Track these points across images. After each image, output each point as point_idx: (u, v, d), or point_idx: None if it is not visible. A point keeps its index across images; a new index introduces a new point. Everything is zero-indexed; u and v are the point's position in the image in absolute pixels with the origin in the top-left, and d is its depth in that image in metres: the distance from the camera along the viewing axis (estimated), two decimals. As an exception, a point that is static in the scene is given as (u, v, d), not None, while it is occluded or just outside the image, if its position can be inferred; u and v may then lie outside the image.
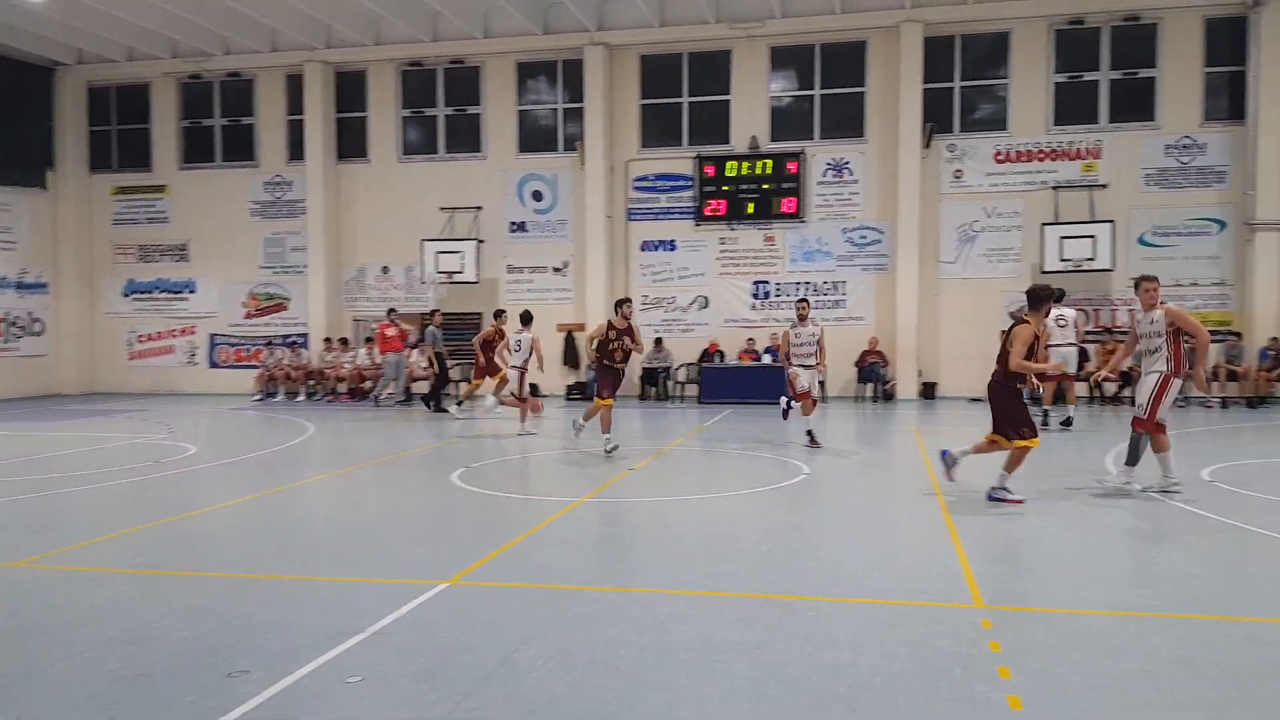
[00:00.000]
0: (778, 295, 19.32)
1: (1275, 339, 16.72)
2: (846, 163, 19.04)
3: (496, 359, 14.96)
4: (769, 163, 19.17)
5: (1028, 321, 8.07)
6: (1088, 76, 18.10)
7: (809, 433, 11.97)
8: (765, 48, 19.25)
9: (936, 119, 18.50)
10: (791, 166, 19.06)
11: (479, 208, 20.44)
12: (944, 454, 8.57)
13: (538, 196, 20.40)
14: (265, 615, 5.22)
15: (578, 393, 19.28)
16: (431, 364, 17.45)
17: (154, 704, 4.02)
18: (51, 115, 22.07)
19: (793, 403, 12.43)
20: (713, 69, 19.54)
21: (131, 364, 22.48)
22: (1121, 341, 17.59)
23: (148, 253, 22.36)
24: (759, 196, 19.23)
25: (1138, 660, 4.45)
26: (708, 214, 19.48)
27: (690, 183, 19.59)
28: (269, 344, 21.12)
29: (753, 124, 19.39)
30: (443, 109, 20.88)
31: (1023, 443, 8.08)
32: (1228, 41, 17.41)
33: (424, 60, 20.73)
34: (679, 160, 19.68)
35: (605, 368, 11.64)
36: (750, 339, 18.92)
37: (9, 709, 3.99)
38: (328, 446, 13.13)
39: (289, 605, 5.47)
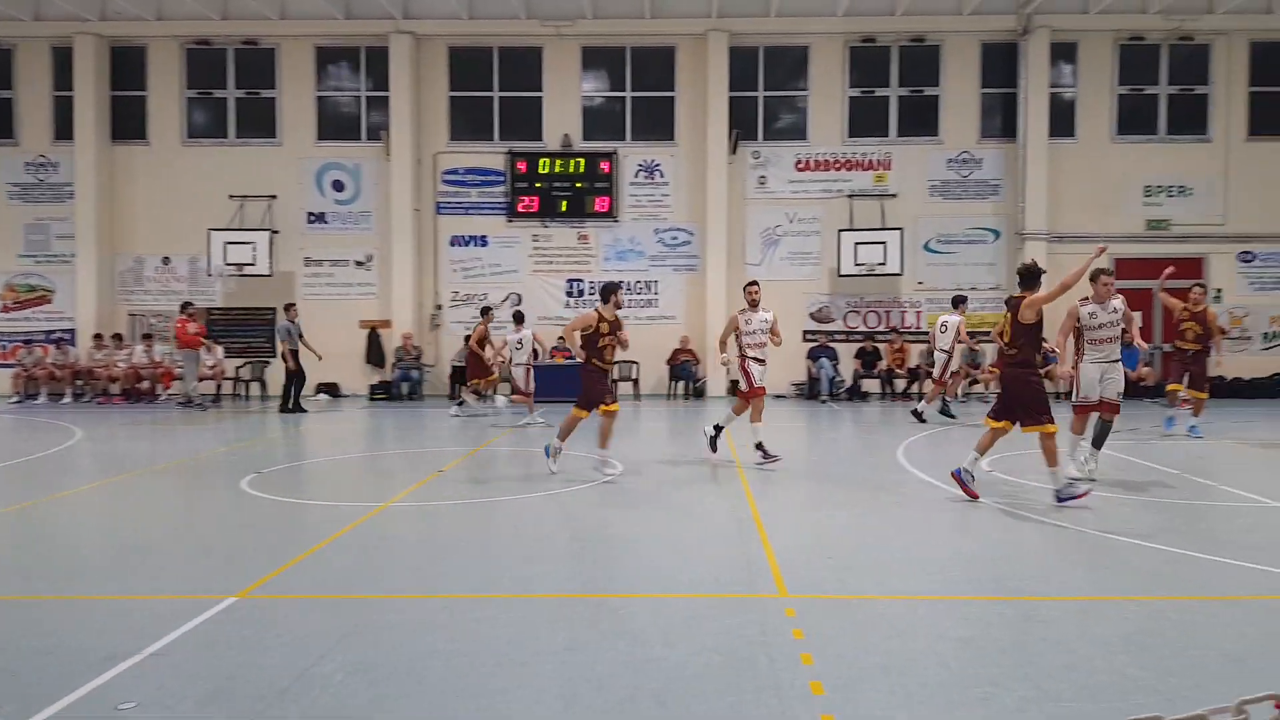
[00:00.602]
0: (592, 294, 19.36)
1: (1043, 340, 18.35)
2: (658, 165, 19.35)
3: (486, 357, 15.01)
4: (582, 161, 19.19)
5: (1021, 297, 8.15)
6: (879, 92, 19.26)
7: (760, 446, 10.36)
8: (577, 47, 19.26)
9: (742, 126, 19.14)
10: (604, 166, 19.17)
11: (273, 196, 19.28)
12: (957, 473, 8.18)
13: (339, 186, 19.48)
14: (26, 641, 4.64)
15: (382, 393, 18.56)
16: (287, 360, 16.20)
17: None
18: None
19: (717, 428, 10.80)
20: (524, 65, 19.35)
21: None
22: (912, 341, 18.89)
23: (-121, 237, 19.67)
24: (572, 195, 19.22)
25: (927, 641, 4.69)
26: (520, 210, 19.26)
27: (502, 178, 19.30)
28: (28, 341, 19.05)
29: (565, 122, 19.35)
30: (233, 91, 19.55)
31: (1043, 428, 7.79)
32: (1001, 65, 18.99)
33: (212, 39, 19.34)
34: (490, 155, 19.34)
35: (594, 369, 9.70)
36: (562, 338, 18.81)
37: None
38: (99, 452, 11.95)
39: (53, 629, 4.87)
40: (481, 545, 6.82)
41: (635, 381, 18.87)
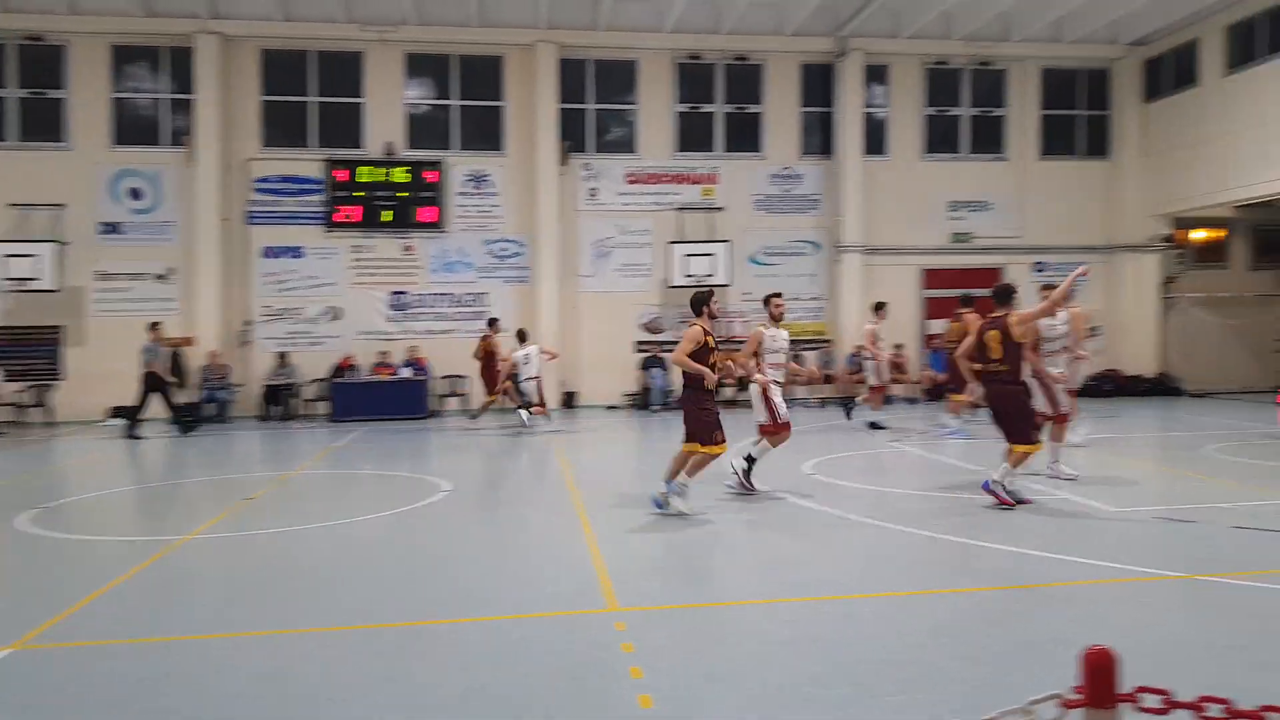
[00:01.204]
0: (417, 306, 18.79)
1: (859, 347, 19.18)
2: (487, 175, 19.03)
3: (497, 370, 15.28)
4: (407, 170, 18.61)
5: (1004, 315, 8.05)
6: (705, 108, 19.70)
7: (744, 474, 8.87)
8: (400, 53, 18.70)
9: (573, 137, 19.12)
10: (430, 175, 18.66)
11: (61, 205, 17.66)
12: (987, 486, 8.08)
13: (136, 195, 18.06)
14: None
15: (189, 414, 17.27)
16: (148, 382, 14.61)
17: None
18: None
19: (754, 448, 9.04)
20: (344, 70, 18.59)
21: None
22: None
23: None
24: (396, 205, 18.58)
25: (752, 645, 4.72)
26: (339, 220, 18.43)
27: (320, 186, 18.43)
28: None
29: (389, 129, 18.73)
30: (14, 90, 17.83)
31: (1032, 447, 7.96)
32: (819, 85, 19.83)
33: (-11, 34, 17.59)
34: (307, 162, 18.44)
35: (704, 395, 7.98)
36: (385, 352, 18.16)
37: None
38: None
39: None
40: (294, 575, 6.39)
41: (464, 397, 18.41)
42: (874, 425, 14.26)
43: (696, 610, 5.37)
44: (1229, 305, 20.28)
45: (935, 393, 18.83)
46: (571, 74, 19.14)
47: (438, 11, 18.29)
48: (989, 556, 6.53)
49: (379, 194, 18.53)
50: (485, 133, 19.09)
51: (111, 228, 17.97)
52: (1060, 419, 9.62)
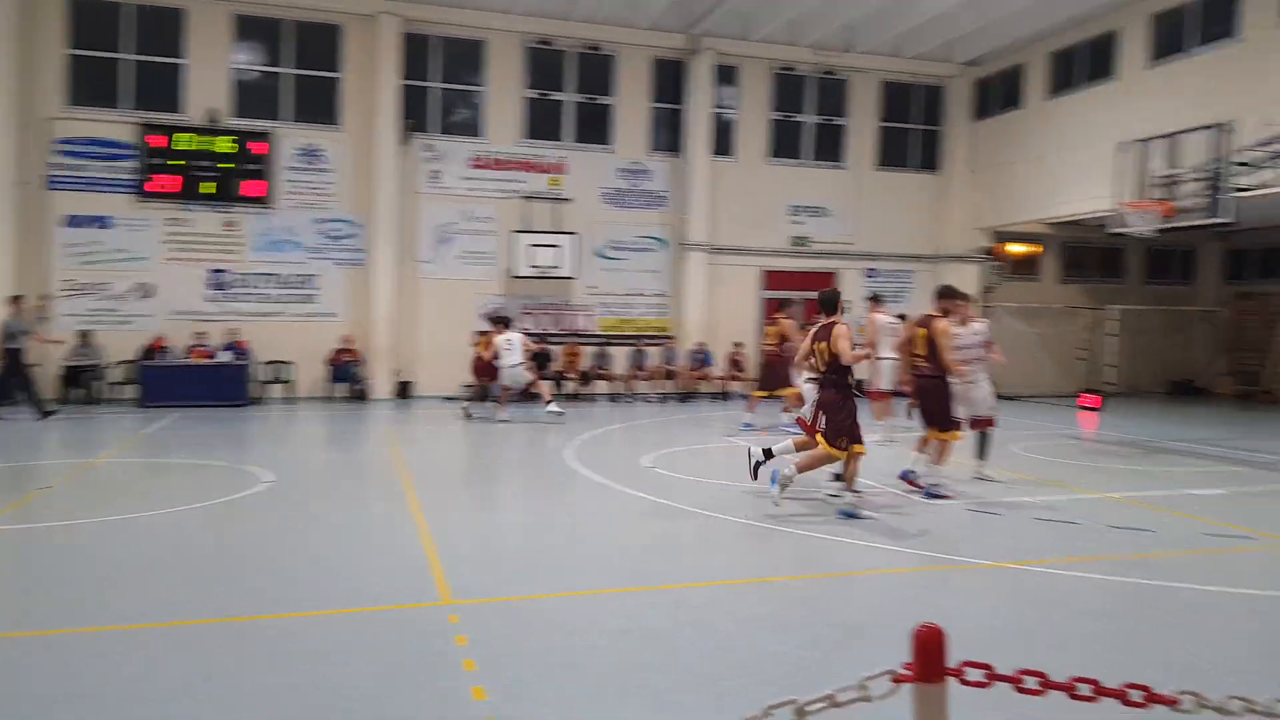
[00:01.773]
0: (240, 286, 17.69)
1: (701, 343, 19.55)
2: (320, 150, 18.11)
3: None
4: (232, 140, 17.46)
5: (938, 316, 8.52)
6: (555, 96, 19.46)
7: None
8: (228, 14, 17.48)
9: (415, 116, 18.45)
10: (258, 147, 17.57)
11: None
12: (924, 491, 8.42)
13: (-84, 149, 16.14)
14: None
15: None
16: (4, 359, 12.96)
17: None
18: None
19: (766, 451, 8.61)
20: (163, 27, 17.17)
21: None
22: (585, 344, 19.29)
23: None
24: (219, 176, 17.35)
25: (588, 636, 4.68)
26: (153, 190, 17.02)
27: (132, 152, 17.00)
28: None
29: (212, 95, 17.51)
30: None
31: (953, 435, 8.46)
32: (670, 81, 19.95)
33: None
34: (118, 125, 16.94)
35: (846, 390, 7.72)
36: (203, 333, 16.99)
37: None
38: None
39: None
40: (100, 571, 5.84)
41: (290, 383, 17.49)
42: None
43: (531, 602, 5.27)
44: (1039, 315, 21.86)
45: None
46: (416, 50, 18.48)
47: (272, -27, 17.28)
48: (816, 545, 6.74)
49: (200, 164, 17.28)
50: (320, 105, 18.14)
51: (-117, 184, 15.99)
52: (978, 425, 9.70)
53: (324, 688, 3.98)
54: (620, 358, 19.21)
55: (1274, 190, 12.70)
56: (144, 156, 16.95)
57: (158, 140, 16.98)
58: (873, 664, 2.29)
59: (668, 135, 20.03)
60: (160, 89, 17.17)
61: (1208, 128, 12.59)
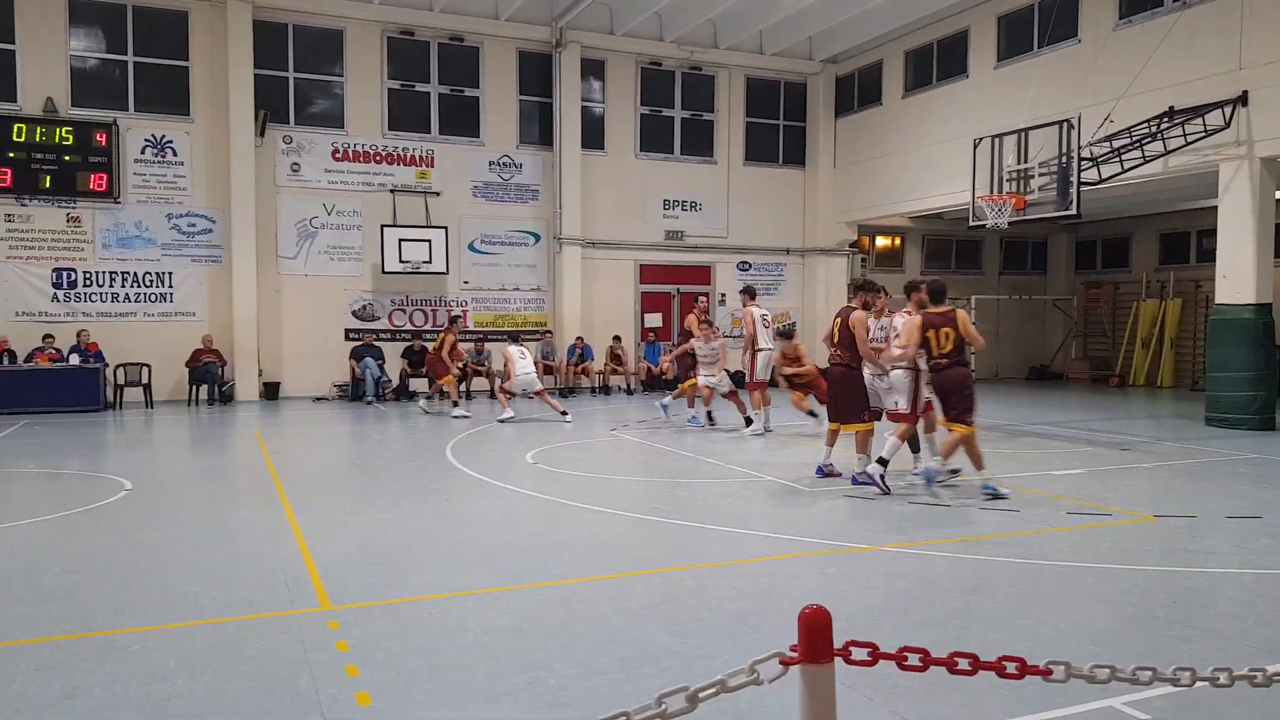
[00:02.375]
0: (87, 285, 16.61)
1: (580, 338, 19.52)
2: (170, 141, 17.16)
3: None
4: (70, 131, 16.33)
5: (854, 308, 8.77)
6: (420, 87, 19.02)
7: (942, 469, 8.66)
8: (62, -2, 16.37)
9: (272, 107, 17.70)
10: (100, 138, 16.51)
11: None
12: (926, 477, 8.39)
13: None
14: None
15: None
16: None
17: None
18: None
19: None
20: (-10, 11, 15.99)
21: None
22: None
23: None
24: (59, 169, 16.24)
25: (475, 635, 4.63)
26: (-12, 184, 15.86)
27: (-39, 144, 15.75)
28: None
29: (49, 83, 16.35)
30: None
31: (864, 426, 8.62)
32: (538, 74, 19.79)
33: None
34: (-57, 114, 15.69)
35: (967, 366, 8.52)
36: (49, 336, 15.86)
37: None
38: None
39: None
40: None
41: (147, 387, 16.54)
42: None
43: (415, 604, 5.16)
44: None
45: (651, 383, 19.64)
46: (270, 38, 17.70)
47: (109, -46, 16.25)
48: (700, 536, 6.85)
49: (38, 155, 16.13)
50: (168, 95, 17.18)
51: None
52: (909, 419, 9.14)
53: (199, 700, 3.82)
54: (498, 353, 18.99)
55: (1115, 184, 13.63)
56: (-27, 148, 15.68)
57: (-11, 131, 15.74)
58: (762, 649, 2.34)
59: (537, 128, 19.90)
60: (-10, 77, 15.92)
61: (1053, 124, 13.36)
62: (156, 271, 17.10)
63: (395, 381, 18.13)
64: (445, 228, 18.65)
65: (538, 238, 19.99)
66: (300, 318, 18.03)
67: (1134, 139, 13.27)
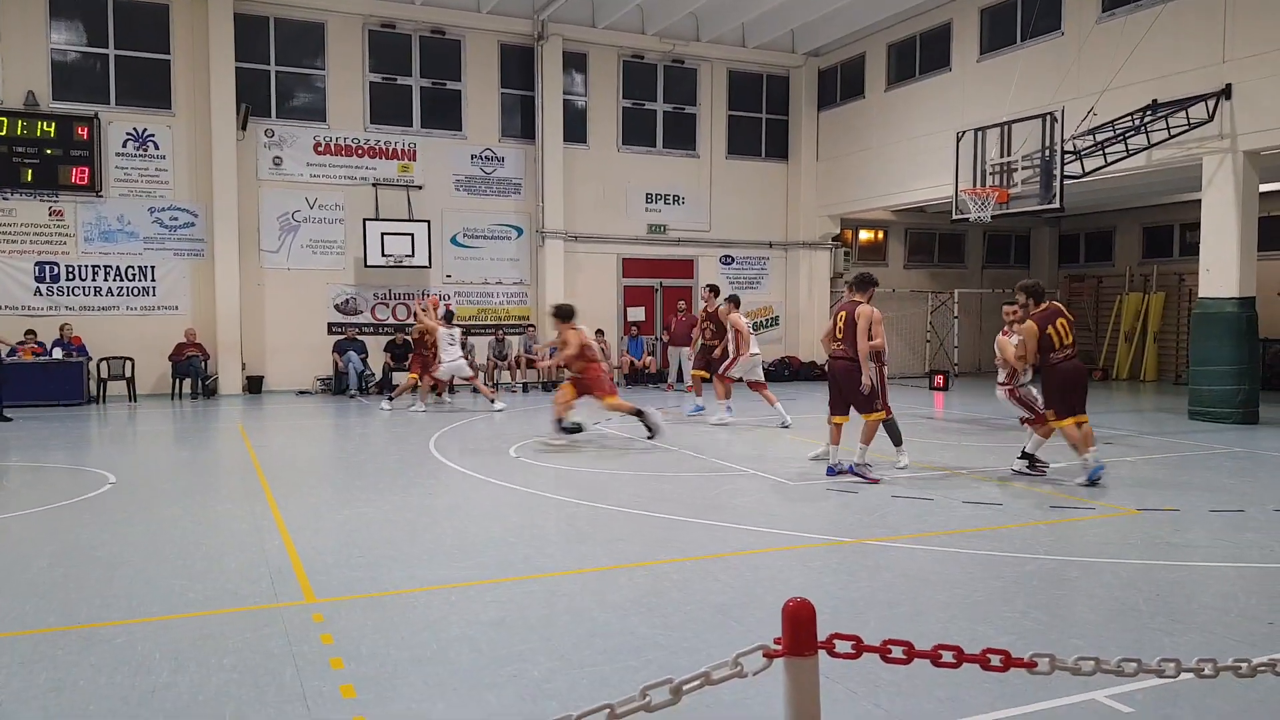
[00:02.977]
0: (70, 279, 16.49)
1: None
2: (151, 135, 17.03)
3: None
4: (52, 124, 16.19)
5: (859, 302, 8.79)
6: (401, 81, 18.91)
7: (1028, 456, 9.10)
8: (41, -10, 16.20)
9: (254, 101, 17.58)
10: (82, 132, 16.37)
11: None
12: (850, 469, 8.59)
13: None
14: None
15: None
16: None
17: None
18: None
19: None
20: (-31, 2, 15.81)
21: None
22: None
23: None
24: (40, 162, 16.11)
25: (459, 628, 4.63)
26: (-34, 178, 15.70)
27: (-58, 137, 15.58)
28: None
29: (30, 77, 16.20)
30: None
31: (876, 415, 8.80)
32: (520, 67, 19.70)
33: None
34: (-77, 107, 15.52)
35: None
36: (31, 330, 15.74)
37: None
38: None
39: None
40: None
41: (130, 380, 16.44)
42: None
43: (400, 596, 5.16)
44: (887, 299, 22.84)
45: (634, 377, 19.66)
46: (251, 31, 17.58)
47: (90, -53, 16.08)
48: (684, 529, 6.86)
49: (19, 149, 15.99)
50: (150, 88, 17.05)
51: None
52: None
53: (184, 693, 3.81)
54: (481, 347, 18.95)
55: (1098, 177, 13.70)
56: (-45, 141, 15.51)
57: (-30, 124, 15.59)
58: (745, 642, 2.35)
59: (519, 121, 19.82)
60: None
61: (1036, 117, 13.41)
62: (139, 265, 16.99)
63: (378, 375, 18.07)
64: (427, 221, 18.58)
65: (520, 231, 19.94)
66: (283, 311, 17.94)
67: (1117, 132, 13.35)
